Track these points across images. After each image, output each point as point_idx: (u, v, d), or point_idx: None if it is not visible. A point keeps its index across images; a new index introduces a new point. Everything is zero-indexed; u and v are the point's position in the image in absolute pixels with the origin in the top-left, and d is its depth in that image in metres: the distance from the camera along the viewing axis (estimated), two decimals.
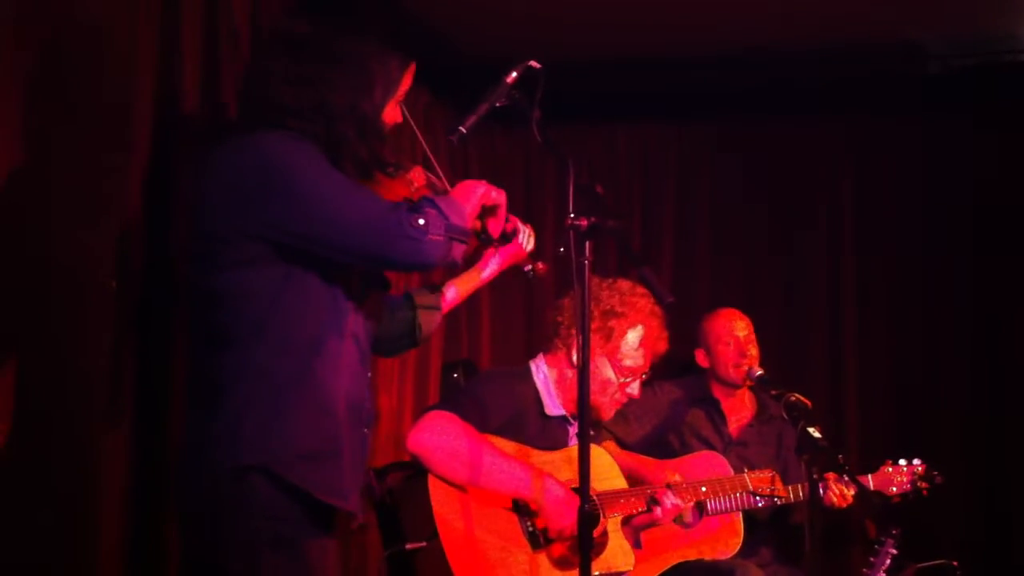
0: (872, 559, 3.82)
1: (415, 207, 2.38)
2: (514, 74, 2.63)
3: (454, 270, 2.73)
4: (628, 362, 3.65)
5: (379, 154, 2.53)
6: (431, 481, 3.20)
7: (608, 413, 3.72)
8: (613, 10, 4.33)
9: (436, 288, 2.93)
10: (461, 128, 2.58)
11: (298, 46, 2.44)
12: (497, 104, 2.62)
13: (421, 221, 2.35)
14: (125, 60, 2.92)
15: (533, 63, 2.62)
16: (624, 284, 3.72)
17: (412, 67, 2.57)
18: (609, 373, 3.64)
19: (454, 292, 2.97)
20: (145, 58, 2.99)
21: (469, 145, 5.00)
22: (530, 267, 2.95)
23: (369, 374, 2.59)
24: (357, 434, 2.50)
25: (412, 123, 2.64)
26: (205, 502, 2.38)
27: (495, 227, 2.65)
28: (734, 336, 4.33)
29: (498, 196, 2.64)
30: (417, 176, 2.67)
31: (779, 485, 3.87)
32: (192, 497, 2.43)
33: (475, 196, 2.58)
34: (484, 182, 2.63)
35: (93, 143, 2.83)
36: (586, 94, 4.88)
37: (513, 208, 5.03)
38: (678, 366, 4.05)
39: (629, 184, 5.31)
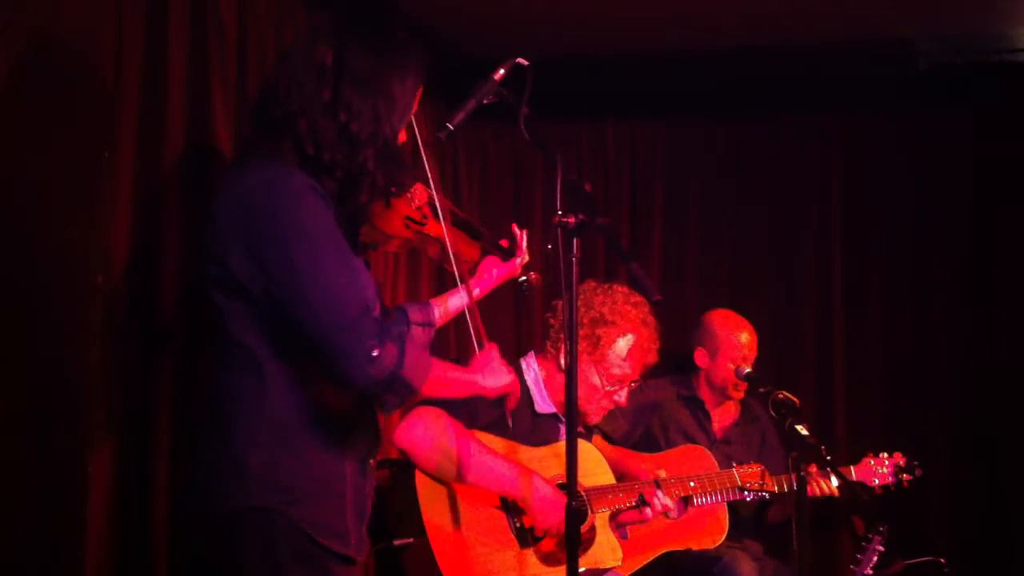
0: (859, 555, 3.84)
1: (382, 334, 2.31)
2: (502, 71, 2.63)
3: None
4: (616, 371, 3.64)
5: (394, 179, 2.49)
6: (418, 477, 3.20)
7: (595, 418, 3.72)
8: (604, 6, 4.33)
9: (427, 304, 2.89)
10: (449, 125, 2.58)
11: (321, 73, 2.39)
12: (485, 101, 2.62)
13: (375, 352, 2.29)
14: (112, 56, 2.92)
15: (521, 60, 2.62)
16: (620, 291, 3.70)
17: (421, 88, 2.54)
18: (596, 380, 3.63)
19: (445, 308, 2.98)
20: (132, 55, 2.98)
21: (458, 145, 5.00)
22: (524, 278, 2.97)
23: (376, 407, 2.56)
24: (361, 470, 2.48)
25: (420, 141, 2.63)
26: (219, 531, 2.35)
27: (510, 405, 2.72)
28: (742, 354, 4.31)
29: (512, 387, 2.69)
30: (419, 194, 2.67)
31: (768, 480, 3.89)
32: (204, 526, 2.39)
33: (479, 382, 2.63)
34: (509, 378, 2.69)
35: (80, 141, 2.82)
36: (575, 90, 4.89)
37: (502, 209, 5.12)
38: (667, 362, 4.05)
39: (618, 181, 5.29)
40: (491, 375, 2.66)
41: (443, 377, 2.53)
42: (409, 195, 2.67)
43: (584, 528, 3.42)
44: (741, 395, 4.35)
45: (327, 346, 2.29)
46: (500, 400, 2.73)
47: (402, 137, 2.54)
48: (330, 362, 2.30)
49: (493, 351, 2.73)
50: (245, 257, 2.32)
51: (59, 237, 2.75)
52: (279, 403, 2.35)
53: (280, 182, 2.33)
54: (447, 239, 2.75)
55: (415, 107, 2.54)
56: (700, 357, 4.41)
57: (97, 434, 2.85)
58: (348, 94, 2.39)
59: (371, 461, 2.53)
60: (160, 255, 3.03)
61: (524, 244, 3.06)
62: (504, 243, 3.04)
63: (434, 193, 2.69)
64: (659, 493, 3.58)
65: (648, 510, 3.54)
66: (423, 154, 2.69)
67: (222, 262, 2.35)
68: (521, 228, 3.12)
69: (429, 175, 2.69)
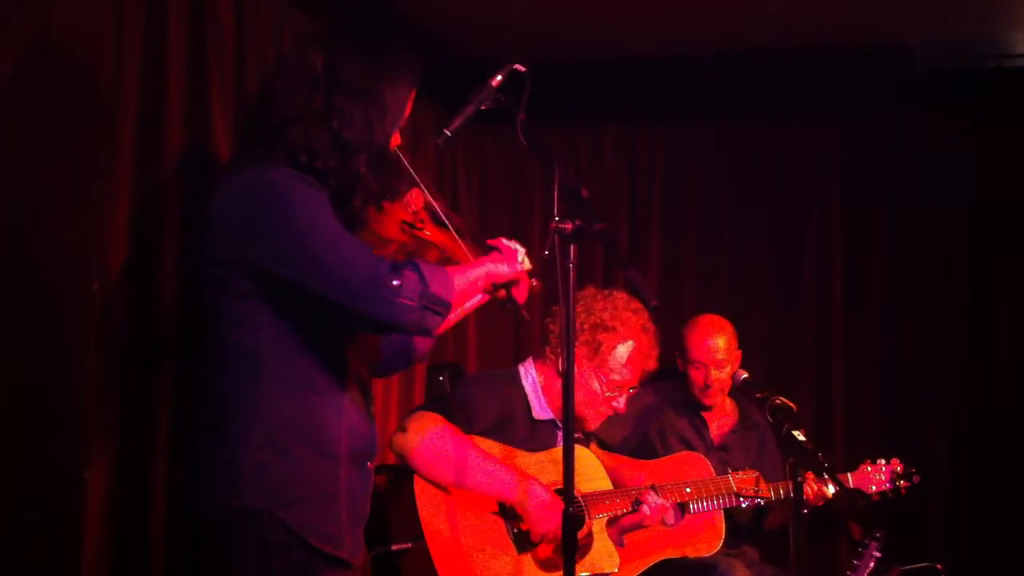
0: (856, 561, 3.82)
1: (397, 266, 2.34)
2: (499, 77, 2.61)
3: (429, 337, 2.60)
4: (616, 377, 3.64)
5: (388, 185, 2.51)
6: (416, 482, 3.21)
7: (593, 424, 3.71)
8: (604, 8, 4.32)
9: None
10: (446, 131, 2.57)
11: (313, 81, 2.40)
12: (482, 107, 2.60)
13: (396, 282, 2.31)
14: (111, 58, 2.92)
15: (518, 66, 2.61)
16: (620, 297, 3.69)
17: (414, 92, 2.55)
18: (596, 386, 3.63)
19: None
20: (131, 56, 2.98)
21: (457, 151, 4.99)
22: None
23: (372, 408, 2.56)
24: (359, 473, 2.48)
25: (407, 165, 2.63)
26: (212, 534, 2.36)
27: (520, 295, 2.65)
28: (710, 357, 4.27)
29: (522, 270, 2.64)
30: (415, 199, 2.67)
31: (763, 486, 3.89)
32: (198, 528, 2.40)
33: (490, 269, 2.59)
34: (514, 256, 2.64)
35: (80, 142, 2.82)
36: (574, 94, 4.88)
37: (501, 214, 5.10)
38: (663, 369, 4.04)
39: (617, 185, 5.27)
40: (501, 260, 2.62)
41: (463, 284, 2.51)
42: (405, 200, 2.66)
43: (582, 534, 3.41)
44: (714, 401, 4.32)
45: (354, 300, 2.31)
46: (512, 282, 2.64)
47: (396, 141, 2.54)
48: (364, 312, 2.33)
49: (499, 240, 2.71)
50: (245, 251, 2.33)
51: (57, 239, 2.75)
52: (273, 405, 2.35)
53: (271, 172, 2.36)
54: (445, 244, 2.75)
55: (408, 112, 2.54)
56: (679, 363, 4.40)
57: (95, 437, 2.85)
58: (340, 101, 2.40)
59: (368, 465, 2.52)
60: (158, 259, 3.03)
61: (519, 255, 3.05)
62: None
63: (430, 198, 2.69)
64: (651, 495, 3.57)
65: (645, 507, 3.53)
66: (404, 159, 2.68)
67: (220, 261, 2.36)
68: (521, 235, 3.12)
69: (419, 181, 2.69)
